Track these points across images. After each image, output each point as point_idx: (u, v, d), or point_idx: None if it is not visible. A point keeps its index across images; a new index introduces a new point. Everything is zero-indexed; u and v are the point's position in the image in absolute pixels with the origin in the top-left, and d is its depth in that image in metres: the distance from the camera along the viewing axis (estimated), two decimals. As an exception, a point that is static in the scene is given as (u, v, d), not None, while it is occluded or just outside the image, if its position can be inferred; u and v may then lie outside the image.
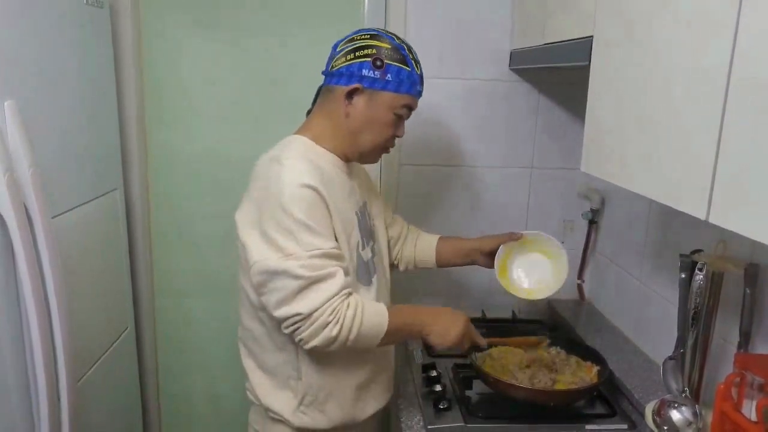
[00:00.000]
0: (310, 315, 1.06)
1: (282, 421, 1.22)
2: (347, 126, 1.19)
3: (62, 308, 1.18)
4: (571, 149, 1.85)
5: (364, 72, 1.16)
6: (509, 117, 1.84)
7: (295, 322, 1.07)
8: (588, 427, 1.28)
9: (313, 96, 1.29)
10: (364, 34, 1.19)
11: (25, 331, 1.14)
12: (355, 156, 1.24)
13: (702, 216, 0.79)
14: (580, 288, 1.94)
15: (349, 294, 1.10)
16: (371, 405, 1.28)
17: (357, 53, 1.16)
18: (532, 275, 1.44)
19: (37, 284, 1.11)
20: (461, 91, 1.82)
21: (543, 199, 1.91)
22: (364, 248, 1.24)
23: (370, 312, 1.11)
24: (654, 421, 1.19)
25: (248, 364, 1.26)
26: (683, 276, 1.21)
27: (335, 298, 1.07)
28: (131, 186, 1.81)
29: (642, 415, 1.29)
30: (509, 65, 1.80)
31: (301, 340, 1.08)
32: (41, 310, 1.12)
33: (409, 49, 1.20)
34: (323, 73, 1.23)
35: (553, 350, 1.49)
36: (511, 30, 1.77)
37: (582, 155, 1.20)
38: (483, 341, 1.29)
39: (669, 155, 0.88)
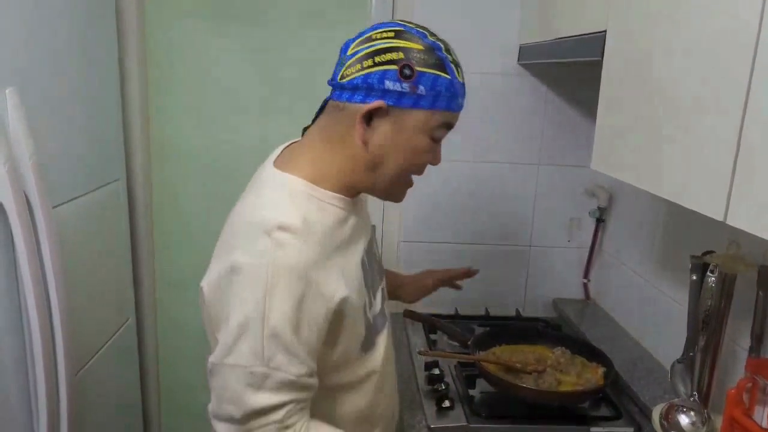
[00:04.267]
0: None
1: None
2: (365, 157, 0.90)
3: (62, 299, 1.16)
4: (579, 146, 1.83)
5: (388, 84, 0.86)
6: (516, 112, 1.82)
7: None
8: (593, 429, 1.26)
9: (316, 91, 1.07)
10: (386, 31, 0.89)
11: (24, 322, 1.13)
12: (377, 194, 0.97)
13: (720, 217, 0.76)
14: (585, 287, 1.92)
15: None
16: None
17: (377, 58, 0.87)
18: None
19: (37, 275, 1.10)
20: (468, 85, 1.79)
21: (550, 196, 1.88)
22: (371, 306, 0.99)
23: None
24: (661, 425, 1.17)
25: None
26: (694, 278, 1.18)
27: None
28: (134, 177, 1.80)
29: (648, 418, 1.27)
30: (518, 60, 1.77)
31: None
32: (41, 301, 1.11)
33: (447, 48, 0.91)
34: (330, 83, 0.93)
35: (558, 350, 1.47)
36: (520, 24, 1.75)
37: (593, 152, 1.17)
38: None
39: (686, 154, 0.86)
